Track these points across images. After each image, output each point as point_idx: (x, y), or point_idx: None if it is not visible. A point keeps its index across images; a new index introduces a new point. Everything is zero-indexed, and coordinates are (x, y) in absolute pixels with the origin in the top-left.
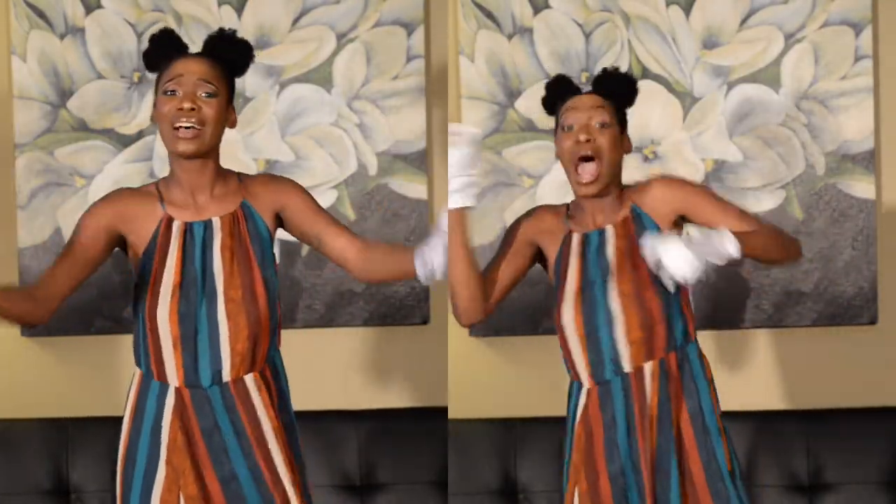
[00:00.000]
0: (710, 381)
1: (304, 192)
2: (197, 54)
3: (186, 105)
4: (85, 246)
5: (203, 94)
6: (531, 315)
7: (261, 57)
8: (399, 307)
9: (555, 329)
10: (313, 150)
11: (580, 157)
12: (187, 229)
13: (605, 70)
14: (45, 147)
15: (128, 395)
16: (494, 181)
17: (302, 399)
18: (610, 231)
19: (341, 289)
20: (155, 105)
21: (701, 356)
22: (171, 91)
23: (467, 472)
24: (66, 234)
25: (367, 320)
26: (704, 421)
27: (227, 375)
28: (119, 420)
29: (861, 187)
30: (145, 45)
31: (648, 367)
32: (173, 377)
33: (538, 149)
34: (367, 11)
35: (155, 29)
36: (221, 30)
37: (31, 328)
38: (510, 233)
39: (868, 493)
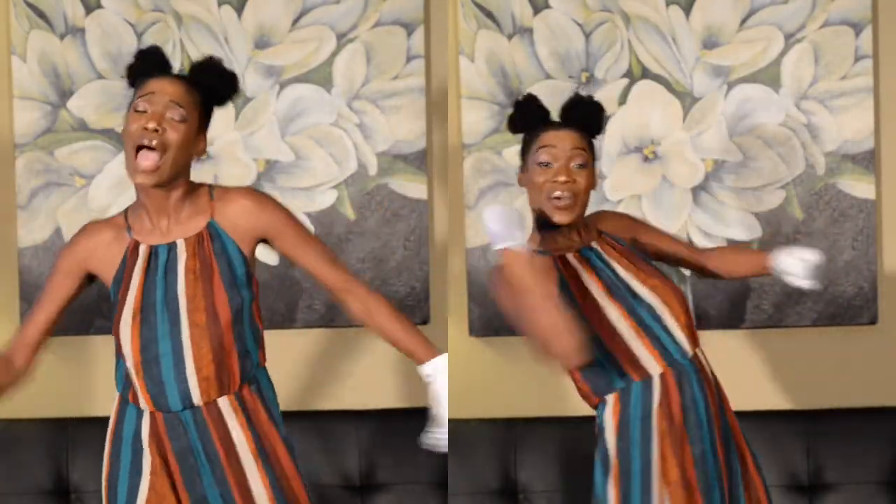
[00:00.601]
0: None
1: (290, 221)
2: (175, 76)
3: (151, 125)
4: (62, 285)
5: (172, 117)
6: None
7: (261, 57)
8: (399, 307)
9: None
10: (313, 150)
11: (556, 198)
12: (152, 253)
13: (578, 99)
14: (45, 147)
15: (110, 421)
16: (494, 181)
17: (302, 399)
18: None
19: None
20: (125, 121)
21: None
22: (141, 110)
23: (467, 472)
24: (67, 234)
25: None
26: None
27: (197, 399)
28: None
29: (861, 187)
30: (145, 44)
31: (700, 353)
32: (143, 401)
33: None
34: (367, 11)
35: (155, 29)
36: (210, 58)
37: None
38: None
39: (868, 493)
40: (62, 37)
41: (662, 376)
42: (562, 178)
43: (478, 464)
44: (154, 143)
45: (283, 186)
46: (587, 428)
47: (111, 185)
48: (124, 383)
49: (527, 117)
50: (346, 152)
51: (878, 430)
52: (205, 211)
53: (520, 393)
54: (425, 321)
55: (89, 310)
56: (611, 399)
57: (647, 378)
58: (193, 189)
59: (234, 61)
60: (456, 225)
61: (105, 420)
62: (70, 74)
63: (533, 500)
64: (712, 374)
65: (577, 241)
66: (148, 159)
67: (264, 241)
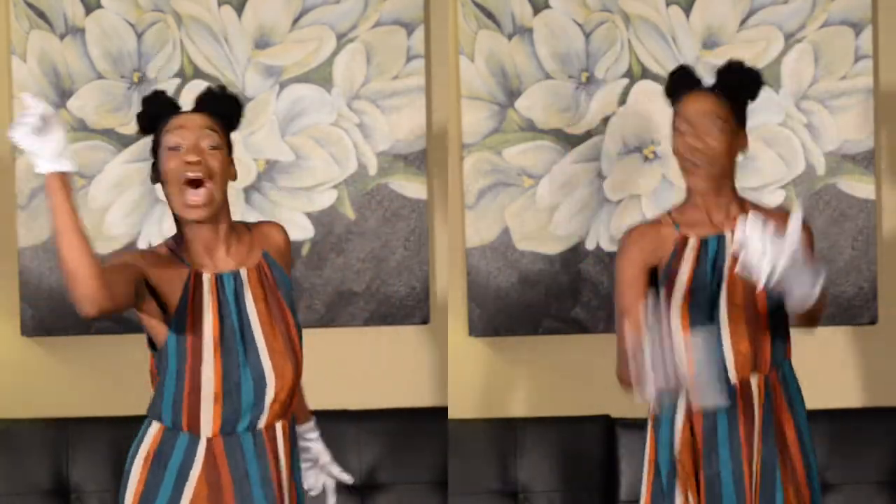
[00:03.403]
0: (803, 402)
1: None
2: (193, 110)
3: (192, 158)
4: (137, 267)
5: (208, 146)
6: (531, 315)
7: (261, 57)
8: (399, 307)
9: (555, 329)
10: (313, 150)
11: (688, 160)
12: (218, 281)
13: (727, 65)
14: None
15: (139, 442)
16: (494, 181)
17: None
18: (728, 238)
19: (341, 289)
20: (155, 167)
21: (794, 375)
22: (175, 146)
23: (467, 472)
24: None
25: (367, 320)
26: (804, 438)
27: (262, 423)
28: (119, 420)
29: (861, 187)
30: (145, 45)
31: (755, 380)
32: (207, 427)
33: (538, 149)
34: (367, 11)
35: (155, 29)
36: (209, 88)
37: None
38: (621, 270)
39: (868, 493)
40: (62, 37)
41: (686, 395)
42: (690, 142)
43: (478, 464)
44: (200, 173)
45: (283, 186)
46: (587, 428)
47: (111, 185)
48: (173, 412)
49: (676, 85)
50: (346, 152)
51: (878, 430)
52: (252, 241)
53: (520, 393)
54: (425, 321)
55: None
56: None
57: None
58: (234, 225)
59: (234, 61)
60: (456, 225)
61: (105, 420)
62: (70, 74)
63: (533, 500)
64: (792, 394)
65: (719, 222)
66: (198, 194)
67: None
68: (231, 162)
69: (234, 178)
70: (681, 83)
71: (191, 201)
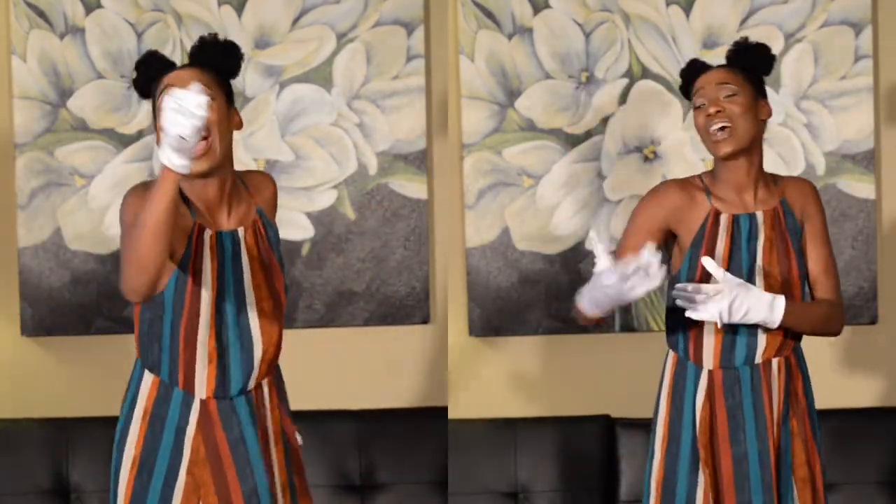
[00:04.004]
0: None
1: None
2: (185, 65)
3: None
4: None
5: None
6: (531, 315)
7: (261, 57)
8: (399, 307)
9: (555, 329)
10: (313, 150)
11: (713, 131)
12: (218, 240)
13: (736, 44)
14: (45, 147)
15: (133, 397)
16: (494, 181)
17: (302, 399)
18: (760, 218)
19: (341, 289)
20: (157, 121)
21: (803, 354)
22: None
23: (467, 472)
24: (66, 234)
25: (368, 320)
26: (814, 418)
27: (251, 384)
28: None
29: (861, 187)
30: (145, 44)
31: (776, 362)
32: (202, 389)
33: (538, 149)
34: (367, 11)
35: (155, 29)
36: (202, 38)
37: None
38: (637, 216)
39: (868, 493)
40: (62, 37)
41: (710, 374)
42: (712, 110)
43: (478, 464)
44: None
45: (283, 186)
46: (587, 428)
47: (111, 185)
48: (170, 368)
49: (689, 75)
50: (346, 152)
51: (878, 430)
52: (249, 198)
53: (520, 393)
54: (425, 321)
55: (89, 310)
56: (670, 358)
57: (699, 366)
58: (235, 177)
59: None
60: (456, 225)
61: (105, 420)
62: (70, 74)
63: (533, 500)
64: (797, 377)
65: (749, 202)
66: (197, 148)
67: None
68: (232, 111)
69: (239, 126)
70: (693, 72)
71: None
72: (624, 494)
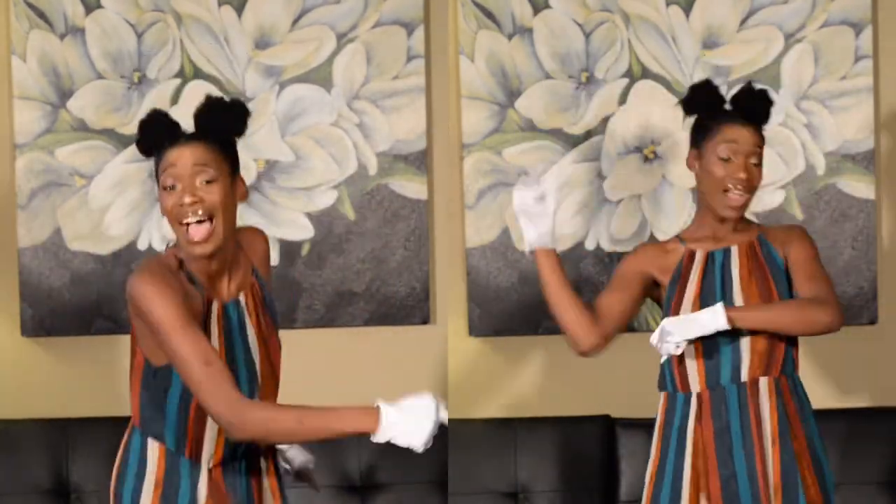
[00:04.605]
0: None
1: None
2: (188, 137)
3: (187, 200)
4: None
5: (203, 182)
6: (531, 315)
7: (261, 57)
8: (399, 307)
9: (555, 329)
10: (313, 150)
11: (730, 194)
12: (224, 311)
13: (754, 92)
14: (45, 147)
15: (139, 465)
16: (494, 181)
17: (302, 399)
18: (735, 250)
19: (341, 289)
20: (159, 198)
21: (804, 390)
22: (170, 186)
23: (467, 472)
24: (66, 234)
25: (368, 320)
26: (818, 449)
27: (252, 446)
28: (119, 420)
29: (861, 187)
30: (145, 45)
31: (764, 381)
32: (208, 458)
33: (538, 149)
34: (367, 11)
35: (155, 29)
36: (208, 100)
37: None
38: (617, 269)
39: (868, 493)
40: (62, 37)
41: (699, 396)
42: (741, 175)
43: (478, 464)
44: (200, 213)
45: (282, 186)
46: (587, 428)
47: (111, 185)
48: (177, 437)
49: (703, 102)
50: (346, 152)
51: (878, 430)
52: (245, 259)
53: (520, 393)
54: (425, 321)
55: (89, 310)
56: (661, 397)
57: (688, 392)
58: (236, 247)
59: (235, 61)
60: (456, 225)
61: (105, 420)
62: (70, 74)
63: (533, 500)
64: (804, 404)
65: (724, 237)
66: (199, 231)
67: None
68: (236, 183)
69: (244, 198)
70: (709, 105)
71: (192, 237)
72: (624, 494)
